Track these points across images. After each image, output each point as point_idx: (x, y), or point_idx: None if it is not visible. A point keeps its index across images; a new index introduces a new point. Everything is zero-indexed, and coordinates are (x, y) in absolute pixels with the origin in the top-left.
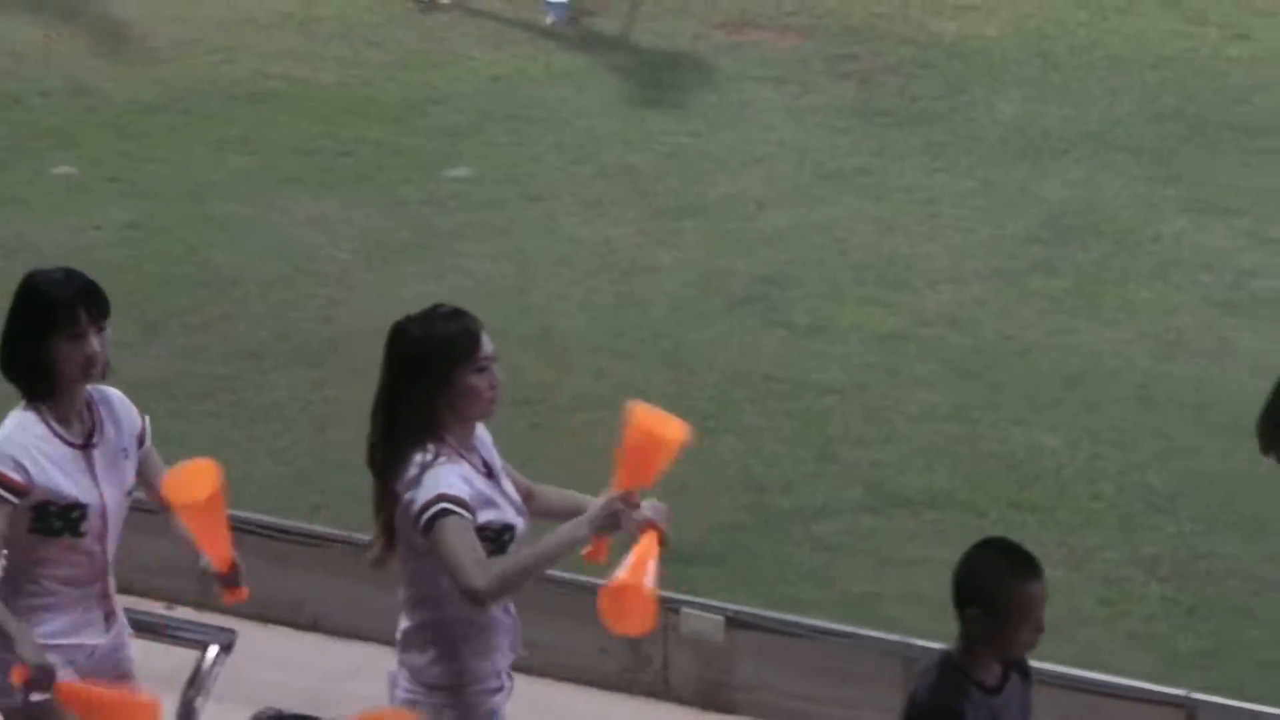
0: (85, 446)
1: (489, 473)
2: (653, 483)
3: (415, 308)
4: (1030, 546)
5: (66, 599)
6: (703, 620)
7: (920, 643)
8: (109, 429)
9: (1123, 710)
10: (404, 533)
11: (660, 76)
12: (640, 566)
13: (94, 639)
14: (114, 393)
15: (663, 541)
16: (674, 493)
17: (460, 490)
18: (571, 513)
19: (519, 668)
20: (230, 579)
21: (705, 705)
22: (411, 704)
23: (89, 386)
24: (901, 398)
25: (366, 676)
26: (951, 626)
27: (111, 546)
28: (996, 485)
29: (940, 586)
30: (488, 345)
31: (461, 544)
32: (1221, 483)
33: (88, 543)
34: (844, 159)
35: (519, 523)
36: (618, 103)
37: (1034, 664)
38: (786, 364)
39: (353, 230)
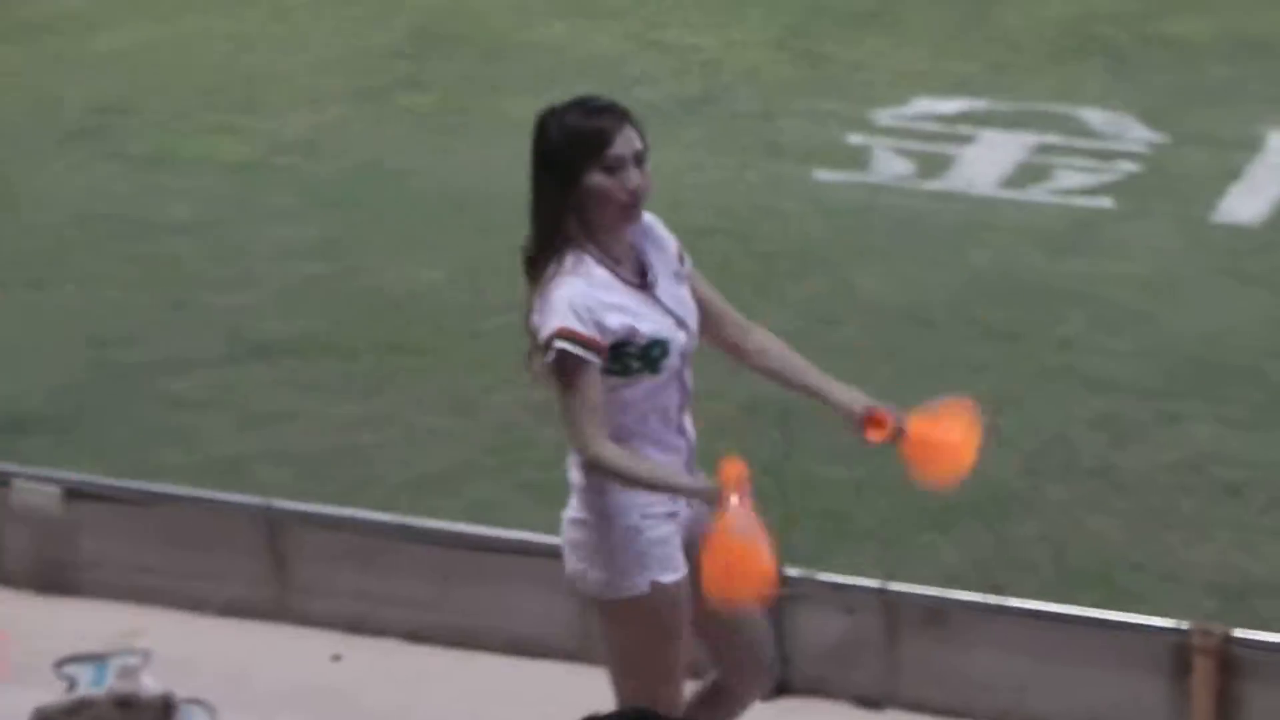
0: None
1: (641, 283)
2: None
3: None
4: (413, 393)
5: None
6: (36, 493)
7: (287, 505)
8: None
9: (511, 564)
10: None
11: None
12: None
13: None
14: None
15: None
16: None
17: (573, 321)
18: (791, 383)
19: None
20: None
21: (43, 588)
22: (583, 527)
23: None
24: (259, 235)
25: None
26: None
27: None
28: (372, 328)
29: (311, 443)
30: (625, 144)
31: (578, 399)
32: None
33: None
34: None
35: (672, 337)
36: None
37: (420, 522)
38: (126, 202)
39: None
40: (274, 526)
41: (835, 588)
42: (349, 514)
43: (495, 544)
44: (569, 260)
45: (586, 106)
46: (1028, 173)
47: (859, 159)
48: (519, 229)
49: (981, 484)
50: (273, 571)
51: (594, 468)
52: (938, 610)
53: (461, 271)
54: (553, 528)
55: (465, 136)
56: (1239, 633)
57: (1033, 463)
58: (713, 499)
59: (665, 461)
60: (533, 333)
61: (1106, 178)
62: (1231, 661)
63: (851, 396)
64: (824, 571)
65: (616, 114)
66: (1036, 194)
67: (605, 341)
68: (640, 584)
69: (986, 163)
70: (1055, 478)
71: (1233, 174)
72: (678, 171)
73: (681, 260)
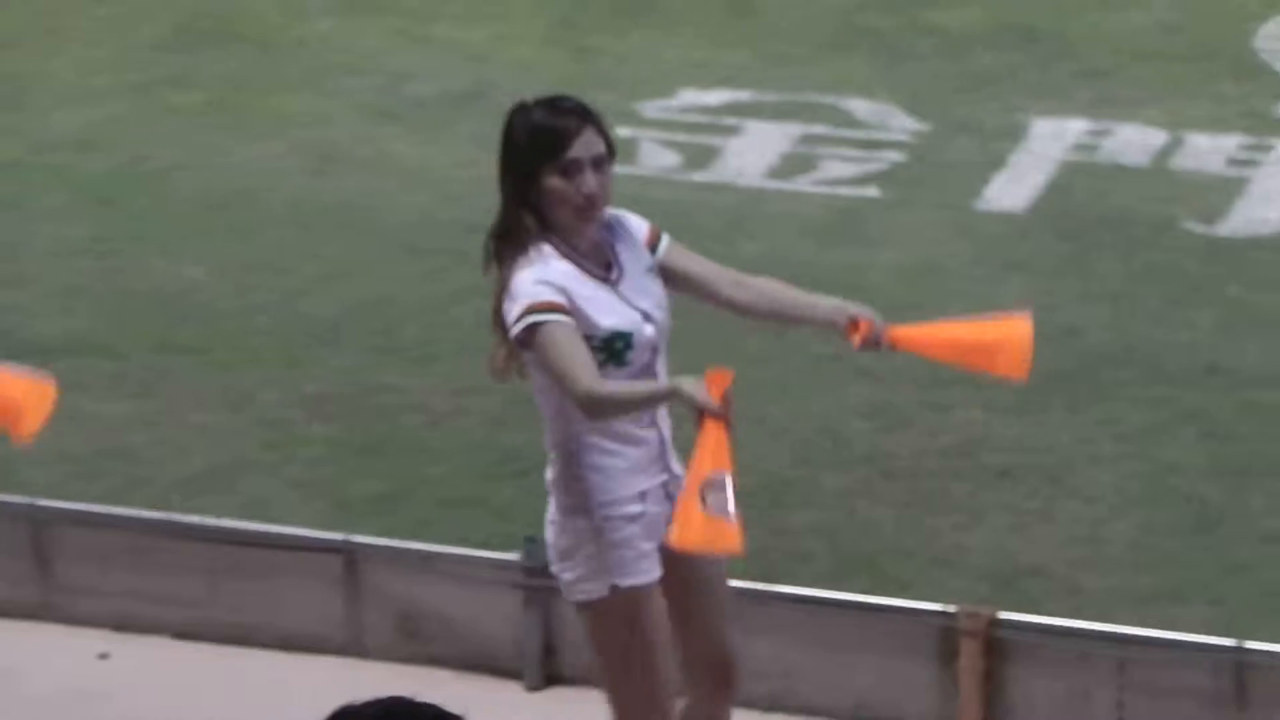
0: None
1: (606, 276)
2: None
3: None
4: (185, 391)
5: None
6: None
7: (52, 504)
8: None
9: (286, 560)
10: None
11: None
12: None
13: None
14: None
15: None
16: None
17: (544, 294)
18: (788, 319)
19: None
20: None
21: None
22: (554, 527)
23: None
24: (30, 233)
25: None
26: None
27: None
28: (142, 325)
29: (81, 442)
30: (583, 147)
31: (564, 350)
32: (386, 308)
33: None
34: None
35: (636, 330)
36: None
37: (188, 519)
38: None
39: None
40: (38, 526)
41: None
42: (116, 512)
43: (265, 540)
44: (531, 251)
45: (553, 106)
46: (794, 163)
47: (626, 152)
48: (289, 226)
49: (754, 473)
50: (37, 571)
51: (591, 408)
52: None
53: (232, 269)
54: (323, 523)
55: (235, 134)
56: (1004, 615)
57: (805, 452)
58: (696, 403)
59: (637, 458)
60: (503, 326)
61: (872, 167)
62: (997, 644)
63: (835, 307)
64: None
65: (580, 116)
66: (803, 184)
67: (570, 307)
68: (598, 588)
69: (753, 154)
70: (827, 466)
71: (996, 162)
72: (448, 167)
73: (654, 247)
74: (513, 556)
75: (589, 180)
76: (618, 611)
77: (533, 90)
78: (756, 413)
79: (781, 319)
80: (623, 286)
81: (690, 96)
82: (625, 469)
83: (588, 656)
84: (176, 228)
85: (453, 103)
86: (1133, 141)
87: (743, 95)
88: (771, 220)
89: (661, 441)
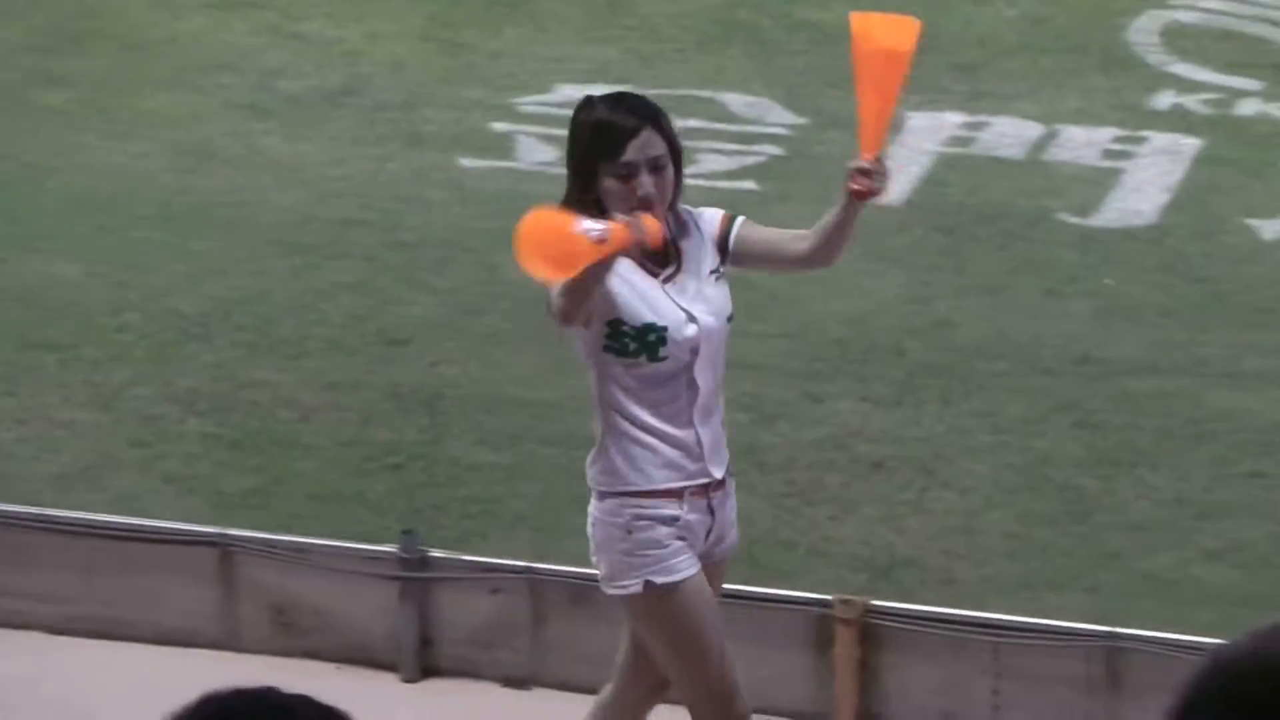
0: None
1: (658, 273)
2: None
3: None
4: (53, 388)
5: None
6: None
7: None
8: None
9: (160, 554)
10: None
11: None
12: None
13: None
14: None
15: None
16: None
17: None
18: (830, 226)
19: None
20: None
21: None
22: (591, 519)
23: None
24: None
25: None
26: None
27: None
28: (11, 323)
29: None
30: (639, 150)
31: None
32: (258, 304)
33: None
34: None
35: (675, 328)
36: None
37: (62, 514)
38: None
39: None
40: None
41: (482, 568)
42: None
43: (140, 534)
44: None
45: (615, 104)
46: None
47: (503, 146)
48: (161, 223)
49: None
50: None
51: (556, 300)
52: (583, 590)
53: (102, 266)
54: (197, 518)
55: (106, 132)
56: (879, 603)
57: None
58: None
59: (670, 455)
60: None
61: (749, 161)
62: (872, 632)
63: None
64: (471, 554)
65: (640, 116)
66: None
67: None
68: (633, 584)
69: None
70: None
71: None
72: (321, 164)
73: (727, 237)
74: (388, 549)
75: (644, 183)
76: (655, 607)
77: (406, 86)
78: None
79: (831, 241)
80: (673, 286)
81: (568, 91)
82: (655, 463)
83: (464, 647)
84: (47, 226)
85: (326, 100)
86: (1007, 134)
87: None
88: None
89: (700, 443)
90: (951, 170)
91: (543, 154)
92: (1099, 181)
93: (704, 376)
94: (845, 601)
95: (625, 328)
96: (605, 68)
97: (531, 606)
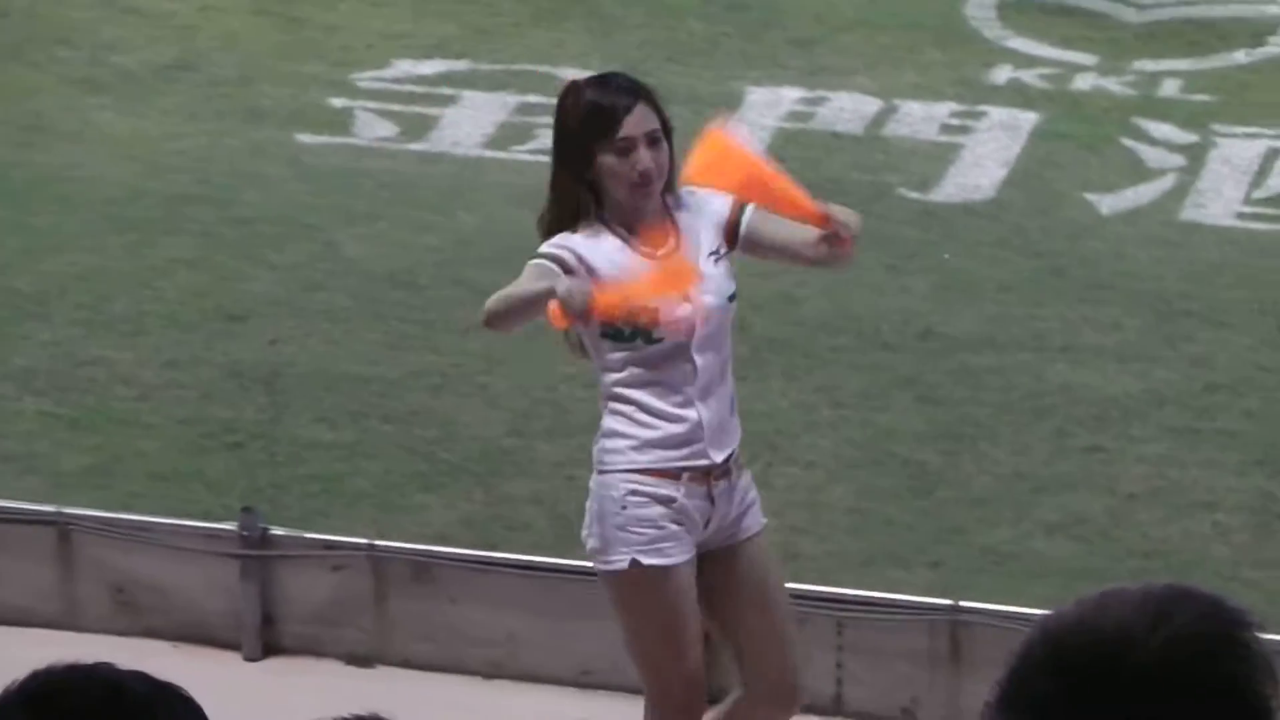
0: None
1: (655, 255)
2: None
3: None
4: None
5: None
6: None
7: None
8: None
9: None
10: None
11: None
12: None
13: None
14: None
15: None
16: None
17: (551, 249)
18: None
19: None
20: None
21: None
22: (589, 493)
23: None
24: None
25: None
26: None
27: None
28: None
29: None
30: (636, 124)
31: (518, 279)
32: (94, 280)
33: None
34: None
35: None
36: None
37: None
38: None
39: None
40: None
41: (322, 545)
42: None
43: None
44: (583, 227)
45: (603, 84)
46: (510, 133)
47: (341, 122)
48: None
49: (471, 444)
50: None
51: (485, 312)
52: (425, 567)
53: None
54: (35, 497)
55: None
56: None
57: (522, 423)
58: (560, 300)
59: (669, 436)
60: None
61: None
62: None
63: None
64: (313, 532)
65: (632, 93)
66: (520, 154)
67: (574, 265)
68: (619, 560)
69: (469, 124)
70: (545, 437)
71: None
72: (156, 139)
73: (737, 225)
74: (229, 527)
75: (643, 157)
76: (637, 589)
77: (242, 61)
78: (474, 383)
79: (829, 265)
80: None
81: (405, 67)
82: (655, 442)
83: (306, 625)
84: None
85: (160, 74)
86: (845, 109)
87: (458, 65)
88: (489, 190)
89: (701, 424)
90: (791, 145)
91: (381, 129)
92: (938, 156)
93: (704, 356)
94: None
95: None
96: (443, 43)
97: (374, 584)
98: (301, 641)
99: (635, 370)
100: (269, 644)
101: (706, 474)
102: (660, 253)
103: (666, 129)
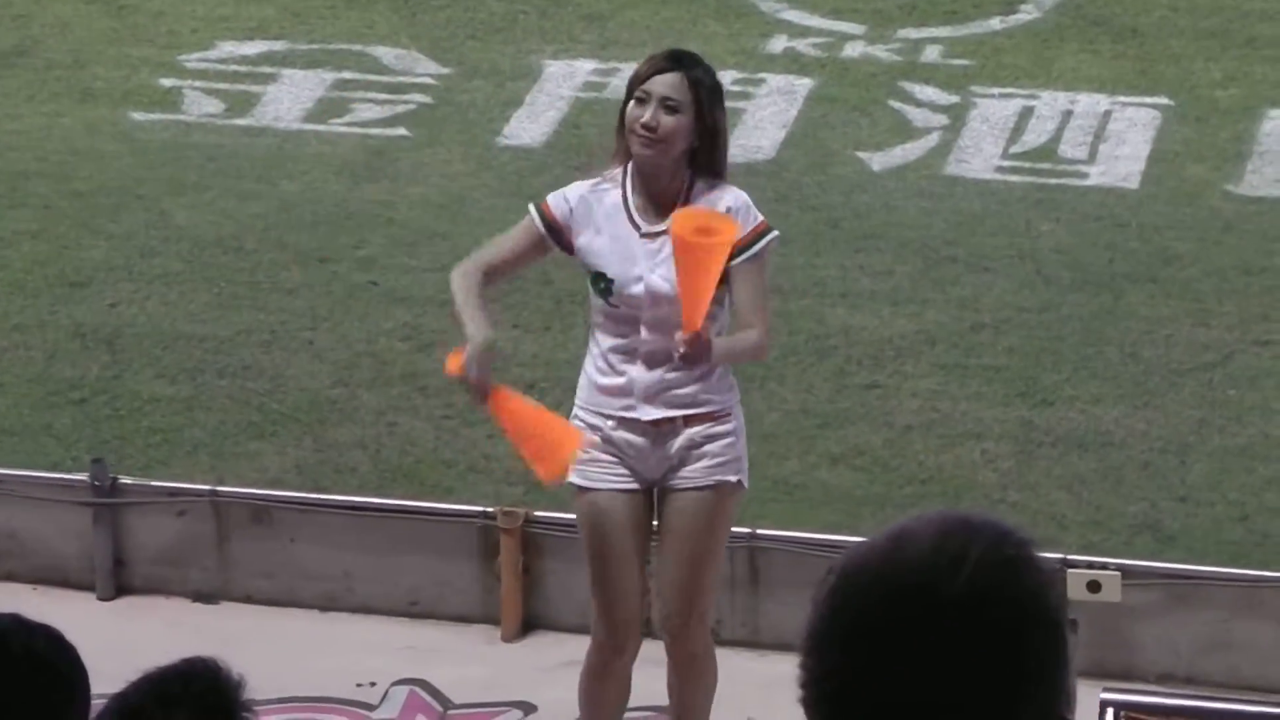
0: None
1: (641, 229)
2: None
3: None
4: None
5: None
6: None
7: None
8: None
9: None
10: None
11: None
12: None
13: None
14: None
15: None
16: None
17: (551, 198)
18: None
19: None
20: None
21: None
22: None
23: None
24: None
25: None
26: None
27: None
28: None
29: None
30: (661, 85)
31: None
32: None
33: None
34: None
35: (623, 280)
36: None
37: None
38: None
39: None
40: None
41: (168, 492)
42: None
43: None
44: (607, 171)
45: (668, 53)
46: (328, 107)
47: (171, 100)
48: None
49: (299, 395)
50: None
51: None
52: (263, 509)
53: None
54: None
55: None
56: (538, 514)
57: (346, 374)
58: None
59: (608, 384)
60: None
61: (400, 109)
62: (533, 540)
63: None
64: (155, 480)
65: (676, 61)
66: (337, 126)
67: (561, 218)
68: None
69: (290, 100)
70: (368, 386)
71: (514, 101)
72: None
73: (740, 250)
74: (80, 477)
75: (650, 111)
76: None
77: (75, 46)
78: (300, 339)
79: None
80: (651, 243)
81: (229, 48)
82: (599, 385)
83: (154, 566)
84: None
85: None
86: None
87: (278, 45)
88: (309, 160)
89: (633, 385)
90: (586, 113)
91: (209, 106)
92: None
93: (651, 332)
94: (507, 513)
95: (587, 266)
96: (264, 24)
97: (216, 526)
98: (151, 581)
99: (599, 318)
100: (121, 584)
101: (639, 422)
102: (652, 230)
103: (700, 111)
